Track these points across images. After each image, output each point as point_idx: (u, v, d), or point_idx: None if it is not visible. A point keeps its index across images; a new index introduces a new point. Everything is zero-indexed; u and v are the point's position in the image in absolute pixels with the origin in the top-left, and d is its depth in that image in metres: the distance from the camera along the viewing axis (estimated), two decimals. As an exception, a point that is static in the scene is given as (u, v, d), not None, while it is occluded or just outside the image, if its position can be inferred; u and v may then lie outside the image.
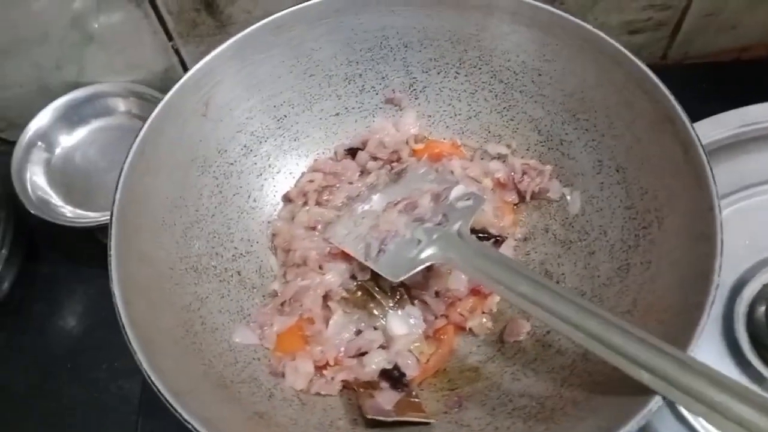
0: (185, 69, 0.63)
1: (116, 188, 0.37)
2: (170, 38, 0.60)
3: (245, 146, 0.46)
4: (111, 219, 0.35)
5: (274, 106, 0.47)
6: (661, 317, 0.33)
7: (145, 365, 0.31)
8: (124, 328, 0.32)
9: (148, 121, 0.39)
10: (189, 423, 0.29)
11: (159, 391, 0.30)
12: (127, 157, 0.38)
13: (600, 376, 0.34)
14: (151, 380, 0.30)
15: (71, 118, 0.61)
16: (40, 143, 0.60)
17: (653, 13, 0.60)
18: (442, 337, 0.41)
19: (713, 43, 0.64)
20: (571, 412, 0.33)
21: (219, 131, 0.44)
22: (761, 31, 0.63)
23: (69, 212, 0.57)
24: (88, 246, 0.60)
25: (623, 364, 0.30)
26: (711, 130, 0.45)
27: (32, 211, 0.55)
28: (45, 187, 0.59)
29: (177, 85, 0.41)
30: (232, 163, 0.45)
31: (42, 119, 0.60)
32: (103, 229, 0.57)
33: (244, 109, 0.45)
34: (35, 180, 0.59)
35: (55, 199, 0.58)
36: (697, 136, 0.35)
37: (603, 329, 0.31)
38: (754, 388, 0.38)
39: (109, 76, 0.63)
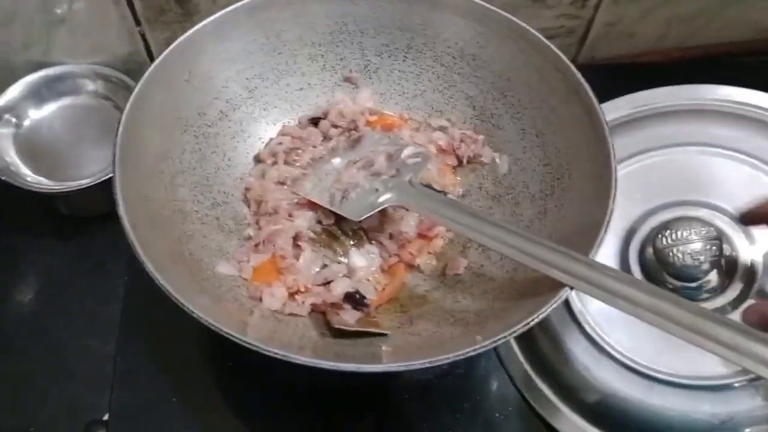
0: (149, 53, 0.68)
1: (116, 134, 0.42)
2: (138, 23, 0.65)
3: (221, 111, 0.52)
4: (114, 159, 0.41)
5: (247, 79, 0.53)
6: (572, 240, 0.42)
7: (153, 270, 0.37)
8: (133, 243, 0.38)
9: (141, 81, 0.45)
10: (196, 314, 0.35)
11: (167, 290, 0.36)
12: (125, 109, 0.44)
13: (524, 290, 0.43)
14: (162, 284, 0.36)
15: (41, 93, 0.65)
16: (8, 115, 0.63)
17: (565, 21, 0.71)
18: (394, 271, 0.49)
19: (614, 49, 0.76)
20: (501, 315, 0.42)
21: (199, 96, 0.50)
22: (653, 40, 0.76)
23: (39, 181, 0.60)
24: (47, 218, 0.64)
25: (540, 266, 0.39)
26: (611, 111, 0.56)
27: (3, 179, 0.59)
28: (13, 156, 0.62)
29: (165, 52, 0.47)
30: (210, 126, 0.51)
31: (13, 92, 0.64)
32: (64, 199, 0.62)
33: (221, 79, 0.52)
34: (4, 150, 0.62)
35: (23, 168, 0.61)
36: (597, 102, 0.45)
37: (526, 244, 0.40)
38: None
39: (74, 57, 0.67)
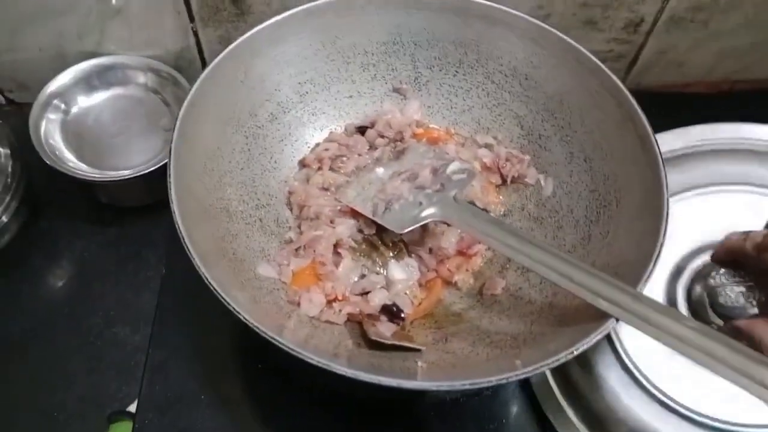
0: (200, 50, 0.69)
1: (174, 130, 0.43)
2: (192, 20, 0.66)
3: (271, 114, 0.53)
4: (170, 154, 0.42)
5: (299, 83, 0.54)
6: (617, 270, 0.42)
7: (200, 265, 0.37)
8: (183, 238, 0.38)
9: (200, 78, 0.46)
10: (239, 313, 0.36)
11: (212, 287, 0.36)
12: (182, 106, 0.44)
13: (564, 316, 0.42)
14: (210, 282, 0.37)
15: (91, 82, 0.66)
16: (57, 101, 0.64)
17: (615, 46, 0.71)
18: (432, 286, 0.49)
19: (662, 76, 0.75)
20: (539, 340, 0.41)
21: (252, 97, 0.51)
22: (703, 70, 0.75)
23: (80, 168, 0.61)
24: (88, 205, 0.65)
25: (586, 295, 0.38)
26: (663, 143, 0.55)
27: (48, 162, 0.59)
28: (58, 141, 0.63)
29: (225, 51, 0.48)
30: (260, 127, 0.52)
31: (63, 78, 0.65)
32: (104, 188, 0.63)
33: (274, 82, 0.52)
34: (50, 134, 0.63)
35: (67, 154, 0.62)
36: (652, 132, 0.45)
37: (572, 270, 0.39)
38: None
39: (126, 49, 0.68)
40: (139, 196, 0.64)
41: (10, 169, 0.60)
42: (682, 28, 0.69)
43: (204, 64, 0.71)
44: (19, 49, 0.66)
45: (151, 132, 0.64)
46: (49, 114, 0.64)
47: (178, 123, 0.43)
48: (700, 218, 0.52)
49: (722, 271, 0.43)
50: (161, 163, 0.59)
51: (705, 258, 0.48)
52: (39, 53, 0.67)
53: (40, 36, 0.65)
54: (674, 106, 0.72)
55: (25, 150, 0.61)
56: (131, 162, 0.61)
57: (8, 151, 0.61)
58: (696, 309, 0.47)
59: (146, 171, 0.59)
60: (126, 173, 0.60)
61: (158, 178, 0.58)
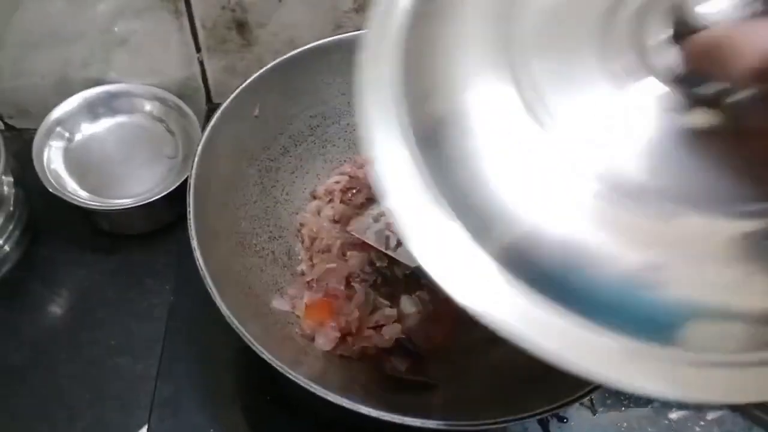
0: (204, 79, 0.70)
1: (192, 166, 0.43)
2: (198, 50, 0.67)
3: (283, 147, 0.53)
4: (189, 193, 0.42)
5: (310, 117, 0.55)
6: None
7: (219, 299, 0.37)
8: (205, 276, 0.38)
9: (218, 114, 0.46)
10: (255, 346, 0.36)
11: (241, 333, 0.36)
12: (200, 142, 0.45)
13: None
14: (227, 314, 0.37)
15: (96, 110, 0.66)
16: (60, 128, 0.64)
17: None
18: (443, 319, 0.49)
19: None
20: (555, 373, 0.42)
21: (265, 131, 0.52)
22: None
23: (83, 196, 0.60)
24: (90, 233, 0.64)
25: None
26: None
27: (50, 190, 0.59)
28: (61, 168, 0.62)
29: (240, 88, 0.48)
30: (272, 160, 0.53)
31: (68, 105, 0.64)
32: (105, 217, 0.62)
33: (286, 116, 0.53)
34: (53, 161, 0.62)
35: (69, 182, 0.61)
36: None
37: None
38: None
39: (130, 77, 0.68)
40: (142, 224, 0.64)
41: (12, 198, 0.60)
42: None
43: (208, 93, 0.71)
44: (22, 75, 0.66)
45: (154, 160, 0.64)
46: (52, 141, 0.63)
47: (196, 159, 0.43)
48: None
49: None
50: (164, 192, 0.59)
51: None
52: (42, 80, 0.67)
53: (44, 63, 0.65)
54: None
55: (26, 177, 0.60)
56: (134, 190, 0.61)
57: (11, 179, 0.61)
58: None
59: (149, 200, 0.59)
60: (128, 202, 0.59)
61: (161, 206, 0.59)
